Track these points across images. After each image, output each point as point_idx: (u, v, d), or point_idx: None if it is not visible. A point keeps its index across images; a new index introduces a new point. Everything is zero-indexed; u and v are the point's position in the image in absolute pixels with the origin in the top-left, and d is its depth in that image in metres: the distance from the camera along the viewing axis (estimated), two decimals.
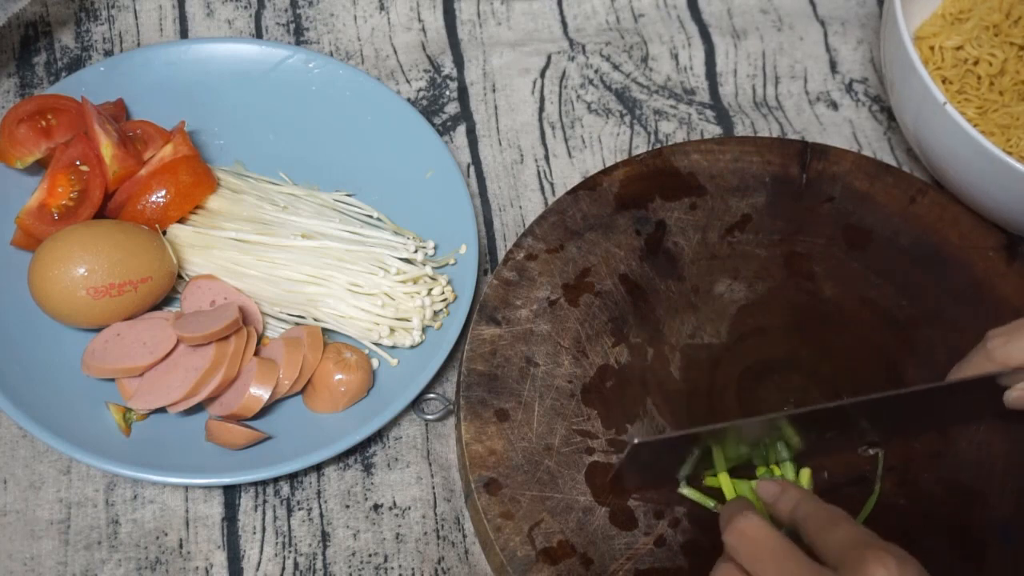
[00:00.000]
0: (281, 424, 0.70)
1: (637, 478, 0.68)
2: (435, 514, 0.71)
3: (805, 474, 0.69)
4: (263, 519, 0.70)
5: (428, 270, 0.73)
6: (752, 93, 0.89)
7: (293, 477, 0.71)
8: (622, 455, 0.66)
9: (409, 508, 0.71)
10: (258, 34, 0.88)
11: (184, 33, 0.87)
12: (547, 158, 0.85)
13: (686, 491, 0.68)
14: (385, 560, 0.69)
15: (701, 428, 0.64)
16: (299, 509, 0.70)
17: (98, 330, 0.70)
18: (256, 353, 0.70)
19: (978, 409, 0.71)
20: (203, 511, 0.70)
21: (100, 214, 0.73)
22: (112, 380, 0.70)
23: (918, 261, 0.78)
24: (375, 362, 0.73)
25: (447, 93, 0.87)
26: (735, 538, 0.56)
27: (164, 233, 0.73)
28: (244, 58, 0.81)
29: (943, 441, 0.72)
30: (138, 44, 0.86)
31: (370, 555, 0.69)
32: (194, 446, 0.69)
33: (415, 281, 0.73)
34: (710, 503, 0.68)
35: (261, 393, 0.68)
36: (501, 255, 0.80)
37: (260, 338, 0.72)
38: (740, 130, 0.87)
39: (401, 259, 0.73)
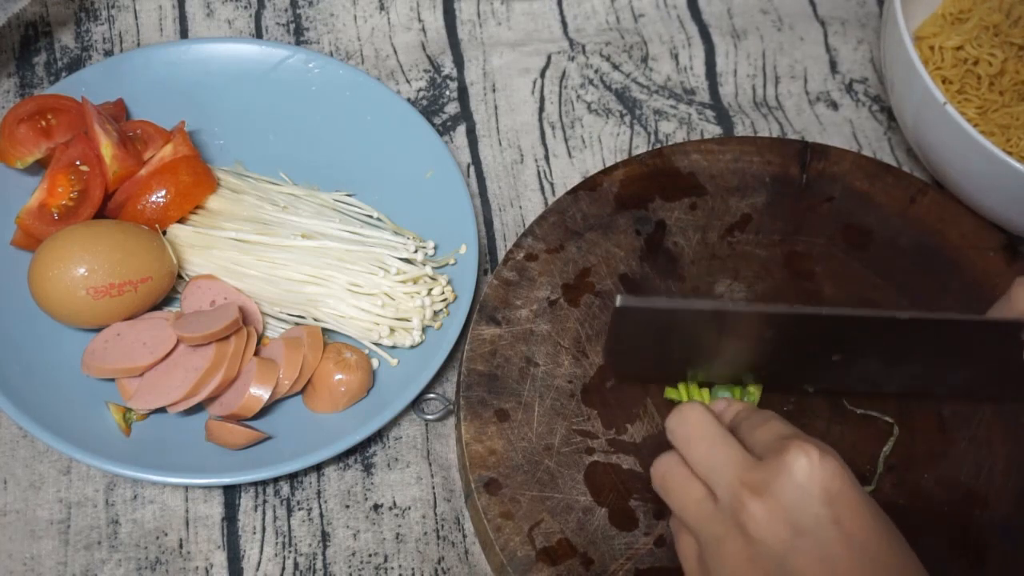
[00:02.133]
0: (281, 424, 0.70)
1: (623, 360, 0.68)
2: (435, 514, 0.71)
3: (756, 389, 0.70)
4: (263, 519, 0.70)
5: (428, 270, 0.73)
6: (752, 93, 0.89)
7: (293, 477, 0.71)
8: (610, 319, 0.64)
9: (409, 508, 0.71)
10: (258, 34, 0.88)
11: (184, 33, 0.87)
12: (547, 158, 0.85)
13: None
14: (385, 560, 0.69)
15: (688, 302, 0.64)
16: (299, 509, 0.70)
17: (98, 330, 0.70)
18: (256, 353, 0.70)
19: (990, 359, 0.67)
20: (203, 511, 0.70)
21: (100, 214, 0.73)
22: (112, 380, 0.70)
23: (918, 261, 0.78)
24: (375, 362, 0.73)
25: (447, 93, 0.87)
26: (675, 421, 0.57)
27: (164, 233, 0.73)
28: (244, 58, 0.81)
29: (943, 441, 0.72)
30: (138, 44, 0.86)
31: (370, 555, 0.69)
32: (194, 446, 0.69)
33: (415, 281, 0.73)
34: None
35: (261, 393, 0.68)
36: (501, 255, 0.80)
37: (260, 338, 0.72)
38: (740, 130, 0.87)
39: (401, 259, 0.73)
